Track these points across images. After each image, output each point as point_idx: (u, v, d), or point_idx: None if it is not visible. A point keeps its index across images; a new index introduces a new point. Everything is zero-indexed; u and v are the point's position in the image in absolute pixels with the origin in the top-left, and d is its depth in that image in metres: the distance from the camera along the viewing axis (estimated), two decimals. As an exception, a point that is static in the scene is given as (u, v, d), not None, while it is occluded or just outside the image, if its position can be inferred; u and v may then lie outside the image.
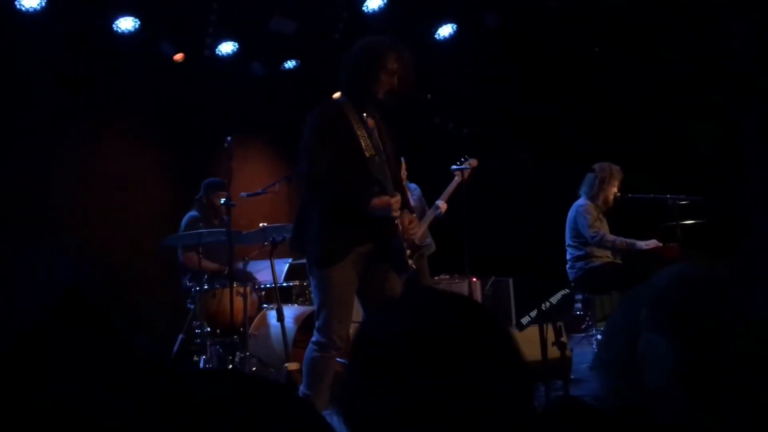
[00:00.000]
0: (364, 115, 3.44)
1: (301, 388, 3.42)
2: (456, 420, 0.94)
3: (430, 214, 5.32)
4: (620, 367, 1.10)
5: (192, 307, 5.12)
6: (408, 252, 3.45)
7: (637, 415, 1.04)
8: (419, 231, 3.59)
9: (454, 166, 5.14)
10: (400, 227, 3.42)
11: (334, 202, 3.31)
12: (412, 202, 5.46)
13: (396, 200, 3.31)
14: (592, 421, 1.03)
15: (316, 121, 3.36)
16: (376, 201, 3.28)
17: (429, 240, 5.39)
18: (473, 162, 5.11)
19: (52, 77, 6.12)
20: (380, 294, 3.36)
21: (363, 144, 3.34)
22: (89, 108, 6.54)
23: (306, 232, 3.42)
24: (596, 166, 5.50)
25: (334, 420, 1.06)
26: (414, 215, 3.59)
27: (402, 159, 5.43)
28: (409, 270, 3.48)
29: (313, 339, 3.38)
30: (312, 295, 3.59)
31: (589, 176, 5.56)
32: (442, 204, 5.29)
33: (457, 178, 5.19)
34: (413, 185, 5.57)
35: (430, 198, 5.52)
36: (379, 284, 3.40)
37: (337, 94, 3.49)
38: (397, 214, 3.32)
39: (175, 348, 4.99)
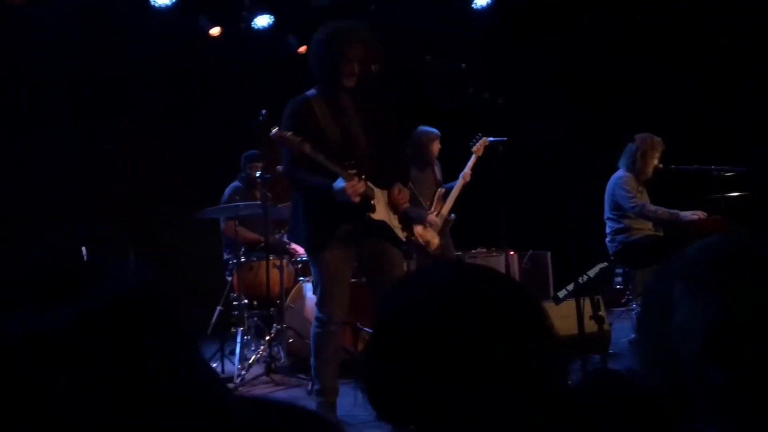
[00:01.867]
0: (340, 101, 3.51)
1: (312, 362, 3.68)
2: (483, 396, 0.92)
3: (456, 189, 5.36)
4: (656, 342, 1.07)
5: (230, 279, 5.19)
6: (396, 223, 3.61)
7: (673, 390, 1.01)
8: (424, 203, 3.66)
9: (471, 143, 5.42)
10: (379, 205, 3.54)
11: (305, 196, 3.55)
12: (438, 176, 5.53)
13: (353, 185, 3.35)
14: (625, 396, 1.00)
15: (284, 121, 3.51)
16: (342, 187, 3.35)
17: (453, 216, 5.49)
18: (485, 140, 5.36)
19: (87, 51, 6.19)
20: (379, 268, 3.57)
21: (329, 134, 3.45)
22: (127, 85, 6.61)
23: (296, 221, 3.63)
24: (636, 137, 5.37)
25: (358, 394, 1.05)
26: (401, 186, 3.64)
27: (437, 132, 5.44)
28: (401, 242, 3.64)
29: (315, 315, 3.63)
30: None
31: (629, 148, 5.42)
32: (466, 173, 5.42)
33: (474, 155, 5.42)
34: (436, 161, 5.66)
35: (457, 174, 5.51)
36: (376, 260, 3.59)
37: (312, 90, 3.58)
38: (356, 199, 3.36)
39: (213, 320, 5.06)
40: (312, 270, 3.68)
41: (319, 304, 3.58)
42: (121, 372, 0.53)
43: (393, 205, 3.60)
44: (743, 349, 0.96)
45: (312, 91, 3.55)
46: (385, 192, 3.60)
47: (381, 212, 3.56)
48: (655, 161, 5.39)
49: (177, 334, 0.60)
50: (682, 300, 1.01)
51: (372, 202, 3.52)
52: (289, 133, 3.32)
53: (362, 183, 3.41)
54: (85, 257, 4.68)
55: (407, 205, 3.66)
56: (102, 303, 0.56)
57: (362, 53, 3.39)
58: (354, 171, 3.41)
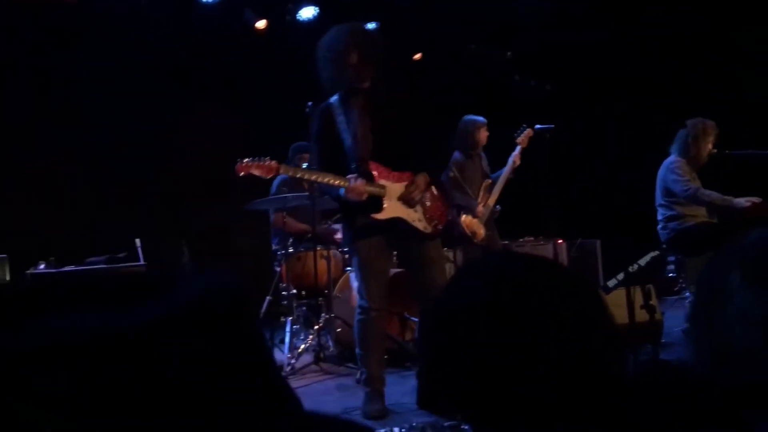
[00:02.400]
0: (353, 105, 3.63)
1: (357, 350, 3.77)
2: (543, 388, 0.92)
3: (504, 175, 5.32)
4: (710, 331, 1.05)
5: (278, 269, 5.25)
6: (415, 216, 3.66)
7: (727, 380, 0.99)
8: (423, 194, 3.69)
9: (516, 134, 5.41)
10: (392, 202, 3.61)
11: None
12: (485, 166, 5.51)
13: (352, 187, 3.48)
14: (677, 387, 0.98)
15: (312, 128, 3.80)
16: (343, 195, 3.54)
17: (498, 207, 5.48)
18: (529, 131, 5.34)
19: (138, 48, 6.31)
20: (418, 270, 3.71)
21: (344, 138, 3.63)
22: (177, 80, 6.72)
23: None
24: (688, 122, 5.23)
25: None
26: (421, 177, 3.68)
27: (484, 120, 5.42)
28: (426, 235, 3.68)
29: (357, 303, 3.75)
30: None
31: (681, 133, 5.28)
32: (516, 156, 5.40)
33: (519, 146, 5.40)
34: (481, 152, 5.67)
35: (503, 163, 5.46)
36: (411, 263, 3.76)
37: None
38: (363, 198, 3.51)
39: (263, 309, 5.13)
40: (352, 262, 3.85)
41: (359, 292, 3.72)
42: (195, 377, 0.53)
43: (407, 199, 3.64)
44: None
45: (335, 97, 3.71)
46: (402, 185, 3.66)
47: (393, 209, 3.62)
48: (709, 146, 5.24)
49: (259, 341, 0.60)
50: (741, 288, 0.99)
51: (383, 200, 3.60)
52: (252, 162, 3.54)
53: (362, 182, 3.51)
54: (139, 249, 4.80)
55: (418, 195, 3.65)
56: (181, 307, 0.56)
57: (359, 56, 3.48)
58: (353, 175, 3.53)
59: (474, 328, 0.95)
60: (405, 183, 3.64)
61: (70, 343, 0.51)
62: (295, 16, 6.83)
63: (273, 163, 3.54)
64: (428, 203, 3.70)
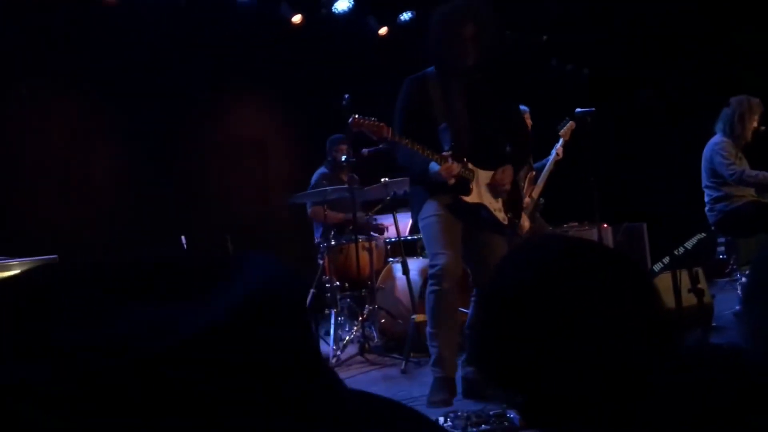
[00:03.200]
0: (453, 82, 3.52)
1: (427, 329, 3.57)
2: (594, 371, 0.91)
3: (548, 168, 5.25)
4: (764, 315, 1.03)
5: (321, 262, 5.29)
6: (497, 206, 3.58)
7: None
8: (507, 182, 3.60)
9: (559, 126, 5.31)
10: (479, 188, 3.54)
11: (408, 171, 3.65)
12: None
13: (447, 167, 3.39)
14: (728, 371, 0.96)
15: (400, 96, 3.61)
16: (439, 169, 3.42)
17: (542, 200, 5.41)
18: (572, 124, 5.24)
19: (178, 46, 6.40)
20: (483, 259, 3.53)
21: (438, 114, 3.50)
22: (215, 76, 6.80)
23: (410, 188, 3.75)
24: (732, 100, 5.10)
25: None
26: (506, 167, 3.60)
27: (526, 109, 5.35)
28: (503, 226, 3.60)
29: (429, 280, 3.54)
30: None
31: (725, 111, 5.15)
32: (559, 149, 5.30)
33: (562, 139, 5.31)
34: None
35: (543, 151, 5.38)
36: (480, 251, 3.57)
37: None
38: (452, 181, 3.41)
39: (307, 303, 5.17)
40: (423, 237, 3.64)
41: (431, 261, 3.51)
42: (252, 370, 0.50)
43: (494, 187, 3.57)
44: None
45: (431, 69, 3.59)
46: (490, 173, 3.58)
47: (478, 194, 3.55)
48: (755, 124, 5.10)
49: (309, 332, 0.57)
50: None
51: (471, 184, 3.52)
52: (369, 119, 3.37)
53: (457, 165, 3.42)
54: (185, 246, 4.89)
55: (507, 186, 3.60)
56: (246, 296, 0.52)
57: (475, 31, 3.39)
58: (449, 153, 3.43)
59: (519, 313, 0.95)
60: (492, 171, 3.58)
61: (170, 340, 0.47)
62: (331, 9, 6.85)
63: (384, 125, 3.39)
64: (507, 195, 3.65)
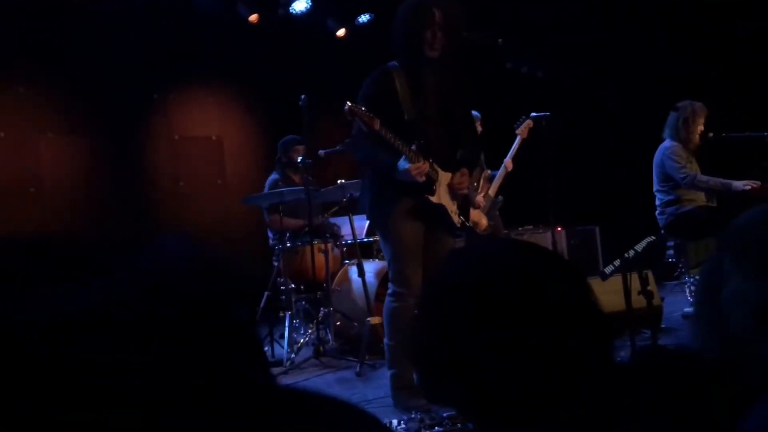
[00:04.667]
0: (420, 75, 3.44)
1: (385, 340, 3.54)
2: (526, 370, 0.91)
3: (500, 174, 5.28)
4: (708, 316, 1.04)
5: (276, 264, 5.24)
6: (453, 208, 3.55)
7: (725, 365, 0.98)
8: (466, 185, 3.60)
9: (516, 125, 5.29)
10: (440, 189, 3.49)
11: (371, 170, 3.51)
12: (481, 158, 5.44)
13: (417, 167, 3.31)
14: (675, 372, 0.97)
15: (363, 90, 3.47)
16: (406, 168, 3.32)
17: (500, 198, 5.43)
18: (529, 122, 5.23)
19: (134, 43, 6.30)
20: (436, 257, 3.45)
21: (405, 110, 3.40)
22: (172, 74, 6.71)
23: (364, 194, 3.62)
24: (678, 105, 5.22)
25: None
26: (464, 171, 3.58)
27: (478, 115, 5.36)
28: (456, 228, 3.58)
29: (389, 291, 3.49)
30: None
31: (672, 116, 5.27)
32: (508, 162, 5.31)
33: (519, 137, 5.30)
34: None
35: (500, 153, 5.42)
36: (432, 248, 3.50)
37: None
38: (421, 179, 3.34)
39: (261, 304, 5.12)
40: (382, 245, 3.58)
41: (395, 278, 3.45)
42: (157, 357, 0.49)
43: (452, 190, 3.55)
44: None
45: (394, 63, 3.50)
46: (449, 175, 3.55)
47: (441, 195, 3.52)
48: (700, 127, 5.22)
49: (222, 313, 0.54)
50: (731, 273, 0.98)
51: (434, 185, 3.48)
52: (362, 109, 3.24)
53: (426, 164, 3.37)
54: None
55: (465, 190, 3.60)
56: (135, 283, 0.51)
57: (444, 20, 3.32)
58: (418, 150, 3.37)
59: (458, 310, 0.95)
60: (450, 172, 3.54)
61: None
62: (288, 10, 6.80)
63: (374, 116, 3.24)
64: (461, 198, 3.63)
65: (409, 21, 3.36)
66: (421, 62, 3.42)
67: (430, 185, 3.45)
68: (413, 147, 3.36)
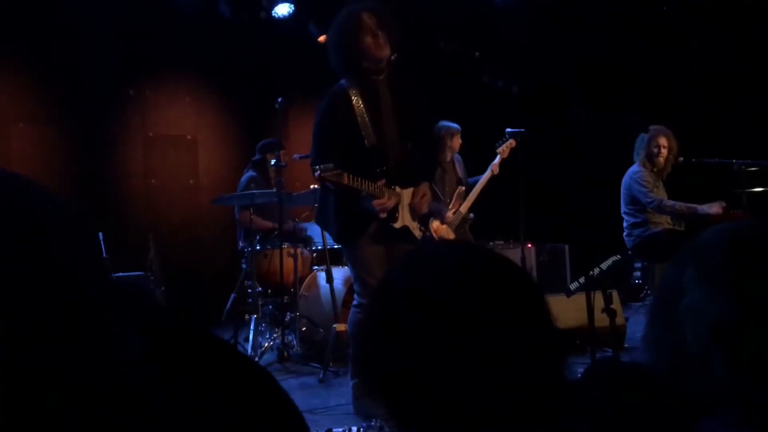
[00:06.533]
0: (374, 92, 3.37)
1: (350, 351, 3.48)
2: (472, 382, 0.88)
3: (475, 190, 5.27)
4: (664, 327, 1.05)
5: (245, 266, 5.20)
6: (415, 225, 3.56)
7: (678, 379, 0.98)
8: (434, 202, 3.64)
9: (498, 143, 5.23)
10: (402, 211, 3.49)
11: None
12: (459, 172, 5.45)
13: (383, 203, 3.31)
14: (629, 386, 0.96)
15: (319, 113, 3.38)
16: (371, 203, 3.31)
17: (471, 215, 5.41)
18: (512, 142, 5.13)
19: (115, 41, 6.24)
20: None
21: (365, 135, 3.32)
22: (149, 70, 6.66)
23: (326, 210, 3.54)
24: (649, 128, 5.30)
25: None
26: (426, 190, 3.57)
27: (458, 127, 5.35)
28: (417, 241, 3.58)
29: (355, 303, 3.50)
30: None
31: (639, 140, 5.35)
32: (491, 170, 5.27)
33: (499, 157, 5.24)
34: (458, 156, 5.51)
35: (482, 163, 5.42)
36: (396, 259, 3.41)
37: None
38: (383, 215, 3.35)
39: (227, 306, 5.08)
40: (348, 262, 3.61)
41: (361, 291, 3.47)
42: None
43: (413, 209, 3.54)
44: (752, 344, 0.93)
45: (344, 82, 3.38)
46: (410, 192, 3.52)
47: (403, 217, 3.51)
48: (664, 151, 5.28)
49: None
50: (692, 286, 0.99)
51: (397, 211, 3.47)
52: (330, 169, 3.14)
53: (392, 199, 3.36)
54: (103, 243, 4.72)
55: (425, 210, 3.60)
56: None
57: (377, 21, 3.24)
58: (383, 181, 3.34)
59: (398, 316, 0.91)
60: (410, 188, 3.51)
61: None
62: (270, 13, 6.79)
63: (344, 173, 3.16)
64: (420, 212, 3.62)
65: (343, 33, 3.27)
66: (371, 75, 3.33)
67: (393, 213, 3.45)
68: (378, 183, 3.33)
